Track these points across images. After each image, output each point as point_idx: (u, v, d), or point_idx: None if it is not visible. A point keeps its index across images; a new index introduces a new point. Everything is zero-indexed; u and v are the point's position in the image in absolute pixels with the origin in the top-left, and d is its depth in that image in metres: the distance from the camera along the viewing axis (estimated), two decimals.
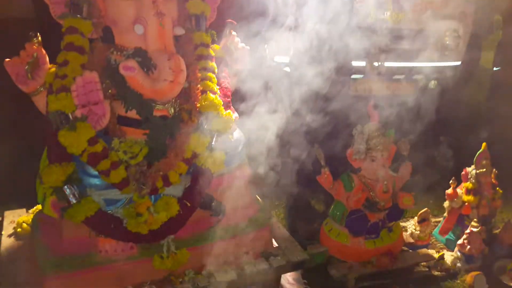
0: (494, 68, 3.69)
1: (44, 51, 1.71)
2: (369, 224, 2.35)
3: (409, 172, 2.40)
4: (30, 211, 2.22)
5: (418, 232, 2.58)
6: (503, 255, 2.46)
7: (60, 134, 1.54)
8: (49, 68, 1.70)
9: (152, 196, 1.76)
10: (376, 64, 2.64)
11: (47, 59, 1.71)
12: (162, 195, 1.78)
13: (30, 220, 2.10)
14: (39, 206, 2.15)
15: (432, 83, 3.11)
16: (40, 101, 1.71)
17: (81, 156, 1.58)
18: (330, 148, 2.39)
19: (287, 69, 2.45)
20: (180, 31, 1.71)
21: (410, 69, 3.01)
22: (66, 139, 1.54)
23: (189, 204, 1.81)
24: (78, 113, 1.56)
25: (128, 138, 1.69)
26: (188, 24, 1.80)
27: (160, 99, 1.68)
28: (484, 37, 3.39)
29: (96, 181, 1.69)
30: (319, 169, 2.32)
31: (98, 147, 1.58)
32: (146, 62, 1.65)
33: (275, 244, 2.24)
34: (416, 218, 2.63)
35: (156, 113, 1.71)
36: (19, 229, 2.10)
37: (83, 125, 1.55)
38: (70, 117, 1.56)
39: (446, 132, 3.18)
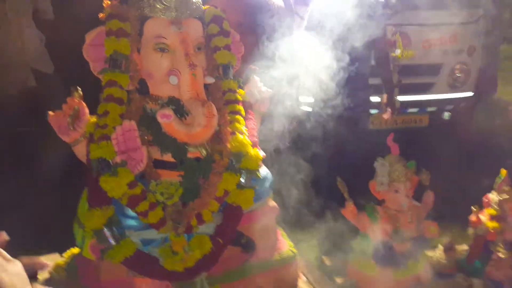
0: None
1: (84, 104, 1.83)
2: (396, 254, 2.38)
3: (431, 201, 2.44)
4: (64, 254, 2.29)
5: (445, 261, 2.59)
6: None
7: (101, 180, 1.64)
8: (89, 119, 1.83)
9: (186, 235, 1.83)
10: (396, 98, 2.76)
11: (87, 111, 1.84)
12: (194, 233, 1.85)
13: (65, 263, 2.17)
14: (73, 250, 2.23)
15: (446, 114, 3.20)
16: (80, 150, 1.82)
17: (121, 199, 1.68)
18: (351, 181, 2.46)
19: (308, 108, 2.57)
20: (210, 80, 1.84)
21: (424, 102, 3.13)
22: (108, 184, 1.64)
23: (221, 241, 1.87)
24: (118, 159, 1.67)
25: (163, 180, 1.78)
26: (216, 73, 1.93)
27: (194, 142, 1.79)
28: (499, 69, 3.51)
29: (133, 222, 1.78)
30: (343, 202, 2.38)
31: (137, 190, 1.68)
32: (179, 110, 1.77)
33: (303, 278, 2.27)
34: (440, 247, 2.65)
35: (190, 155, 1.81)
36: (55, 274, 2.17)
37: (123, 170, 1.65)
38: (111, 163, 1.66)
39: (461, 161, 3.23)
